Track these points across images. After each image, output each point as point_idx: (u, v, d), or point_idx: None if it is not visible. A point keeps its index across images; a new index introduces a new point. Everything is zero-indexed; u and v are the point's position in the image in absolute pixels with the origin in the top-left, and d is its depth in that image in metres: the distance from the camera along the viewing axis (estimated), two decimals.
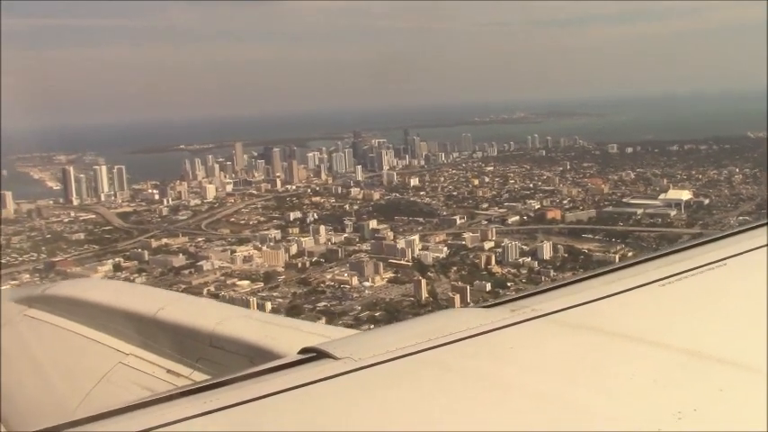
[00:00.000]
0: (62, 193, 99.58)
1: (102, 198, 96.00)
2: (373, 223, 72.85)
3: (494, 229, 68.93)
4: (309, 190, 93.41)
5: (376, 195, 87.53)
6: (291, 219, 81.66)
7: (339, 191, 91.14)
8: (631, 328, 2.90)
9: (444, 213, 77.85)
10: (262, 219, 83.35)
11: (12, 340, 5.65)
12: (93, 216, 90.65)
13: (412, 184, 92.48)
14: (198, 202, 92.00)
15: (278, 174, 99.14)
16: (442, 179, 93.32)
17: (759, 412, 2.20)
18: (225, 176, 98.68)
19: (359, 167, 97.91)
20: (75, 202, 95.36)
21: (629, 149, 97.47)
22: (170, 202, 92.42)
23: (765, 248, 3.75)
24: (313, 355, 2.80)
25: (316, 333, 4.50)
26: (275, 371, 2.71)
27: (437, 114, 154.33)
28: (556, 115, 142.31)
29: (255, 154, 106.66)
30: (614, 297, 3.20)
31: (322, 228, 74.11)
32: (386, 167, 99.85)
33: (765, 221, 4.27)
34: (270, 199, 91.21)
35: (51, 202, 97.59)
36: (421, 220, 75.55)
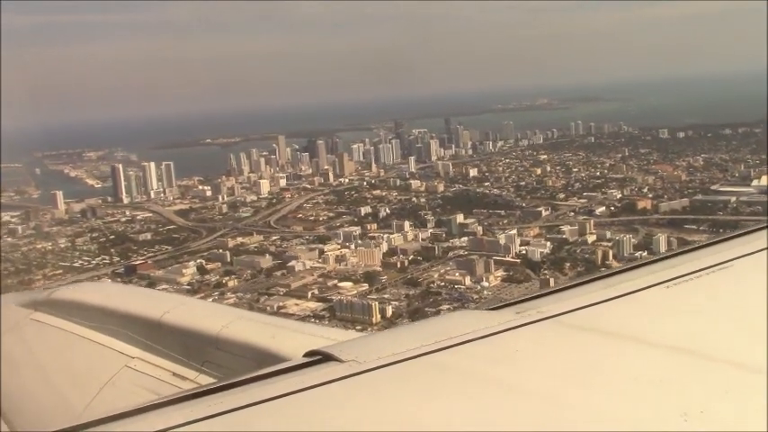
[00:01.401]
0: (111, 191, 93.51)
1: (152, 195, 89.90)
2: (460, 218, 67.50)
3: (592, 222, 64.16)
4: (365, 183, 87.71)
5: (440, 187, 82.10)
6: (363, 214, 76.18)
7: (397, 183, 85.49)
8: (637, 330, 2.82)
9: (523, 205, 72.78)
10: (330, 214, 77.89)
11: (18, 344, 5.42)
12: (150, 215, 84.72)
13: (471, 174, 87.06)
14: (254, 197, 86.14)
15: (325, 167, 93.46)
16: (501, 169, 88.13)
17: (764, 414, 2.14)
18: (273, 171, 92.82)
19: (411, 159, 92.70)
20: (125, 200, 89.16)
21: (681, 134, 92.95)
22: (225, 198, 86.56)
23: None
24: (318, 357, 2.71)
25: (321, 336, 4.24)
26: (281, 374, 2.63)
27: (454, 103, 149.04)
28: (580, 101, 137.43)
29: (297, 147, 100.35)
30: (620, 299, 3.11)
31: (405, 224, 68.63)
32: (434, 158, 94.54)
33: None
34: (327, 193, 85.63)
35: (100, 200, 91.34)
36: (502, 212, 70.44)
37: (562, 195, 75.67)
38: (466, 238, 65.88)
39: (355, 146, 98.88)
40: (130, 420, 2.37)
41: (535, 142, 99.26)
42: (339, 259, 63.80)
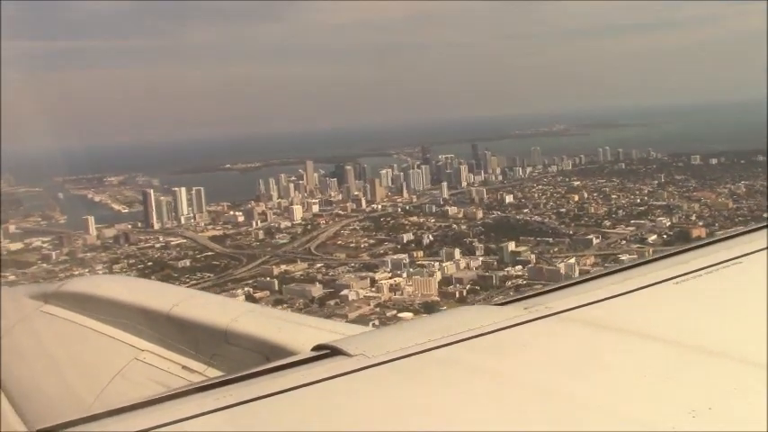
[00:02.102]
0: (140, 216, 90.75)
1: (183, 221, 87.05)
2: (511, 245, 64.89)
3: (650, 250, 61.50)
4: (399, 209, 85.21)
5: (478, 214, 79.60)
6: (405, 241, 73.46)
7: (433, 209, 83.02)
8: (645, 327, 2.80)
9: (570, 232, 70.33)
10: (371, 241, 75.17)
11: (28, 336, 5.42)
12: (184, 241, 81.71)
13: (507, 200, 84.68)
14: (288, 224, 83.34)
15: (356, 192, 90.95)
16: (536, 195, 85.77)
17: None
18: (302, 196, 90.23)
19: (444, 185, 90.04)
20: (156, 226, 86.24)
21: (713, 160, 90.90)
22: (258, 224, 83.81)
23: None
24: (326, 351, 2.71)
25: (329, 330, 4.26)
26: (289, 367, 2.62)
27: (470, 129, 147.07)
28: (597, 126, 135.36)
29: (322, 172, 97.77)
30: (628, 295, 3.10)
31: (455, 251, 65.91)
32: (464, 183, 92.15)
33: None
34: (363, 219, 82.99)
35: (130, 226, 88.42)
36: (550, 240, 67.93)
37: (607, 223, 72.97)
38: (521, 267, 63.08)
39: (384, 171, 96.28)
40: (140, 412, 2.35)
41: (564, 168, 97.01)
42: (394, 288, 60.88)
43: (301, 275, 68.91)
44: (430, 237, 74.97)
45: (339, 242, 77.34)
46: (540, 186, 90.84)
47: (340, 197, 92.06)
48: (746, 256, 3.51)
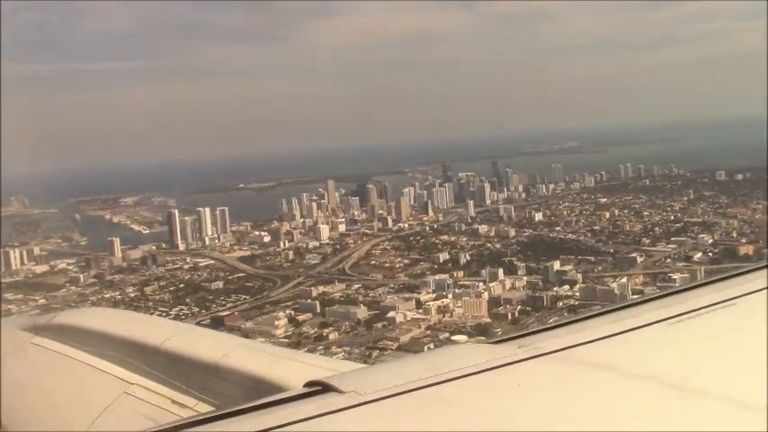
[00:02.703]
0: (165, 236, 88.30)
1: (207, 241, 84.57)
2: (556, 264, 62.68)
3: (702, 269, 59.56)
4: (428, 228, 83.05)
5: (511, 232, 77.48)
6: (441, 261, 71.19)
7: (462, 228, 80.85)
8: (638, 367, 2.76)
9: (611, 251, 68.25)
10: (405, 261, 72.84)
11: (17, 368, 5.33)
12: (212, 261, 79.20)
13: (537, 218, 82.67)
14: (316, 243, 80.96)
15: (380, 211, 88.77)
16: (565, 213, 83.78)
17: None
18: (325, 215, 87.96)
19: (470, 203, 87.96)
20: (181, 247, 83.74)
21: (739, 176, 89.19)
22: (286, 244, 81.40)
23: None
24: (318, 388, 2.67)
25: (321, 366, 4.14)
26: (280, 403, 2.60)
27: (481, 147, 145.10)
28: (611, 143, 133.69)
29: (342, 191, 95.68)
30: (622, 335, 3.05)
31: (499, 271, 63.67)
32: (488, 201, 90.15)
33: None
34: (392, 239, 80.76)
35: (154, 247, 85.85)
36: (592, 259, 65.80)
37: (646, 240, 70.92)
38: (568, 287, 60.85)
39: (406, 189, 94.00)
40: None
41: (587, 185, 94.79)
42: (442, 310, 58.51)
43: (341, 297, 66.47)
44: (467, 256, 72.55)
45: (373, 262, 75.07)
46: (567, 204, 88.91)
47: (364, 216, 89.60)
48: (741, 297, 3.40)
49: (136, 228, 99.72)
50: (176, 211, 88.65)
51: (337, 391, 2.58)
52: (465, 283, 65.45)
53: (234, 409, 2.58)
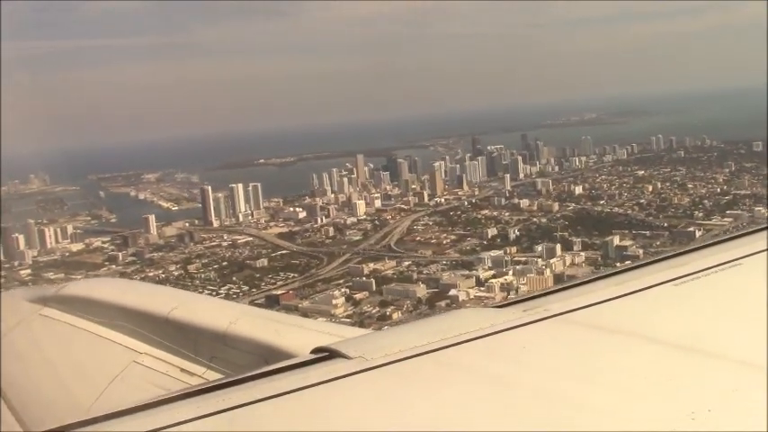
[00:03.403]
0: (197, 213, 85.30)
1: (241, 218, 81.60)
2: (615, 240, 60.03)
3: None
4: (466, 203, 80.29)
5: (554, 206, 74.77)
6: (489, 236, 68.52)
7: (502, 202, 78.10)
8: (644, 328, 2.74)
9: (665, 225, 65.64)
10: (452, 237, 70.12)
11: (27, 339, 5.31)
12: (250, 239, 76.17)
13: (577, 192, 79.96)
14: (353, 219, 78.13)
15: (413, 186, 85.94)
16: (605, 186, 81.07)
17: None
18: (357, 190, 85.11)
19: (506, 176, 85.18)
20: (215, 224, 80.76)
21: None
22: (323, 220, 78.56)
23: None
24: (326, 354, 2.66)
25: (328, 333, 4.07)
26: (288, 370, 2.57)
27: (498, 119, 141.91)
28: (629, 115, 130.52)
29: (371, 166, 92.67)
30: (627, 297, 3.03)
31: (556, 247, 60.99)
32: (521, 174, 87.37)
33: None
34: (431, 213, 77.93)
35: (187, 224, 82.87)
36: (648, 233, 63.16)
37: (699, 214, 68.34)
38: (630, 263, 57.98)
39: (437, 164, 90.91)
40: (138, 416, 2.30)
41: (619, 157, 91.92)
42: (506, 287, 55.82)
43: (394, 274, 63.66)
44: (515, 231, 69.73)
45: (417, 238, 72.25)
46: (603, 176, 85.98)
47: (397, 191, 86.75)
48: (746, 258, 3.34)
49: (165, 204, 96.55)
50: (209, 188, 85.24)
51: (344, 356, 2.54)
52: (521, 259, 62.73)
53: (242, 376, 2.53)
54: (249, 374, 2.56)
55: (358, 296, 59.24)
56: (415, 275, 62.94)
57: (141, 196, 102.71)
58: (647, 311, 2.95)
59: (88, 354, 5.04)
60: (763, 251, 3.49)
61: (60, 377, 4.92)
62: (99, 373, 4.80)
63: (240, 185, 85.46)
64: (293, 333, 4.18)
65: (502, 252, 64.33)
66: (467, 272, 61.14)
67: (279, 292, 61.35)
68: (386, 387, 2.42)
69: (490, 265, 62.06)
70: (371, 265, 65.88)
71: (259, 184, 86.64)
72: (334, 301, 58.25)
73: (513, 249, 65.91)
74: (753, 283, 3.19)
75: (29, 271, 69.06)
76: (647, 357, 2.50)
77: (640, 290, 3.08)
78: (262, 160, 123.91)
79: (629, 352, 2.57)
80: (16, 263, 73.95)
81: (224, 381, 2.63)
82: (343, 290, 61.25)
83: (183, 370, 4.51)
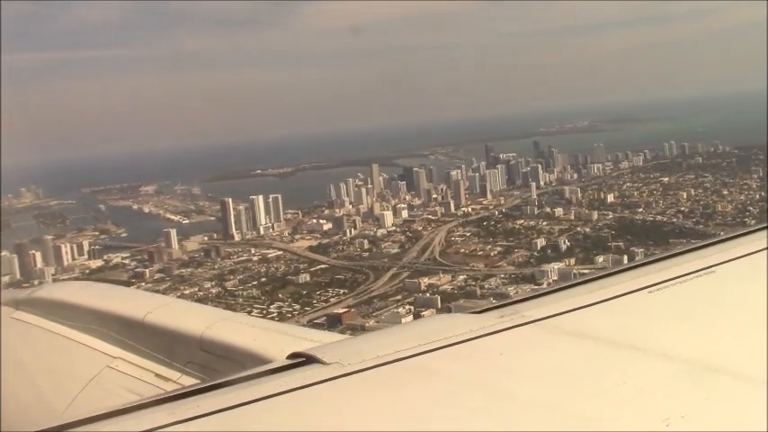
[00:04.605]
0: (215, 226, 79.73)
1: (262, 231, 76.01)
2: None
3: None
4: (497, 213, 75.97)
5: (593, 215, 70.75)
6: (538, 247, 64.17)
7: (535, 212, 73.86)
8: (620, 335, 2.70)
9: (721, 233, 61.34)
10: (498, 248, 65.66)
11: None
12: (280, 252, 70.56)
13: (609, 200, 76.12)
14: (383, 231, 73.11)
15: (435, 196, 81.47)
16: (635, 193, 77.42)
17: (745, 419, 2.08)
18: (374, 200, 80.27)
19: (533, 185, 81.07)
20: (236, 237, 75.07)
21: None
22: (352, 232, 73.38)
23: (750, 256, 3.45)
24: (302, 360, 2.58)
25: (305, 338, 3.93)
26: (264, 375, 2.51)
27: (489, 127, 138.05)
28: (621, 121, 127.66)
29: (385, 176, 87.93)
30: (603, 304, 2.97)
31: (624, 258, 56.68)
32: (542, 182, 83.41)
33: (758, 227, 3.97)
34: (463, 224, 73.42)
35: (206, 237, 76.95)
36: (707, 242, 58.78)
37: (752, 222, 64.51)
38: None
39: (453, 172, 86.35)
40: (112, 421, 2.23)
41: (635, 164, 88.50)
42: None
43: (453, 289, 58.64)
44: (566, 242, 65.23)
45: (462, 250, 67.18)
46: (629, 184, 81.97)
47: (418, 201, 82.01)
48: (718, 266, 3.30)
49: (174, 217, 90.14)
50: (230, 200, 79.14)
51: (321, 362, 2.48)
52: (586, 271, 58.03)
53: (217, 382, 2.47)
54: (225, 380, 2.48)
55: (426, 314, 53.93)
56: (478, 291, 57.95)
57: (146, 209, 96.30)
58: (622, 318, 2.86)
59: (61, 358, 4.73)
60: (736, 259, 3.38)
61: (32, 382, 4.63)
62: (72, 377, 4.53)
63: (261, 197, 79.72)
64: (270, 338, 3.94)
65: (564, 264, 59.73)
66: (534, 286, 56.25)
67: (340, 310, 55.68)
68: (362, 393, 2.35)
69: (556, 278, 57.31)
70: (426, 280, 60.67)
71: (279, 196, 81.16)
72: (402, 320, 52.84)
73: (572, 261, 61.37)
74: (725, 290, 3.13)
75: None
76: (621, 363, 2.44)
77: (616, 297, 2.99)
78: (259, 171, 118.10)
79: (604, 358, 2.50)
80: (36, 281, 67.17)
81: (199, 386, 2.54)
82: (408, 307, 56.00)
83: (157, 375, 4.25)
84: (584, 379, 2.38)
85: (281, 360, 2.69)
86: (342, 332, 50.47)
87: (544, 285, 51.62)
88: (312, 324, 54.85)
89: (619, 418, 2.11)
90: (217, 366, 3.97)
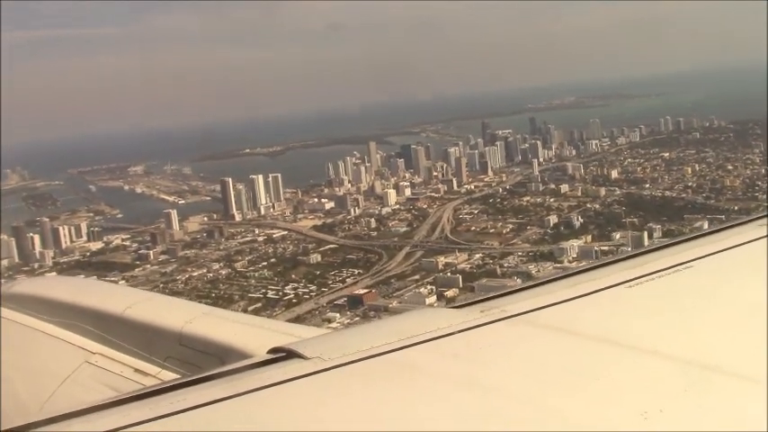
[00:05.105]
0: (212, 206, 77.47)
1: (262, 210, 73.67)
2: (704, 224, 54.49)
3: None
4: (501, 189, 74.28)
5: (601, 191, 69.26)
6: (551, 224, 62.58)
7: (540, 188, 72.19)
8: (599, 330, 2.68)
9: (735, 208, 60.73)
10: (511, 226, 63.79)
11: None
12: (285, 232, 68.26)
13: (613, 176, 74.71)
14: (388, 209, 71.14)
15: (435, 173, 79.69)
16: (639, 169, 76.07)
17: (723, 412, 2.09)
18: (372, 178, 78.36)
19: (534, 161, 79.36)
20: (237, 217, 72.71)
21: None
22: (356, 212, 71.32)
23: (726, 252, 3.44)
24: (283, 354, 2.54)
25: (286, 333, 3.86)
26: (244, 370, 2.47)
27: (476, 104, 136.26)
28: (609, 97, 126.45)
29: (383, 153, 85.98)
30: (583, 298, 2.95)
31: (643, 235, 55.29)
32: (540, 159, 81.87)
33: (733, 223, 3.95)
34: (468, 201, 71.54)
35: (206, 217, 74.52)
36: (723, 218, 57.91)
37: (764, 196, 63.59)
38: None
39: (452, 149, 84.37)
40: (90, 417, 2.18)
41: (632, 140, 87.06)
42: None
43: (471, 268, 56.77)
44: (579, 218, 63.66)
45: (473, 228, 65.28)
46: (631, 159, 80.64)
47: (418, 179, 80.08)
48: (696, 261, 3.30)
49: (168, 197, 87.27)
50: (230, 180, 76.42)
51: (302, 357, 2.45)
52: (605, 248, 56.48)
53: (197, 377, 2.43)
54: (205, 375, 2.45)
55: (448, 293, 52.07)
56: (498, 269, 56.16)
57: (139, 190, 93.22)
58: (601, 313, 2.86)
59: (38, 353, 4.57)
60: (714, 254, 3.39)
61: (8, 377, 4.41)
62: (49, 373, 4.40)
63: (260, 177, 77.17)
64: (250, 333, 3.87)
65: (582, 242, 58.11)
66: (555, 264, 54.56)
67: (360, 291, 53.51)
68: (343, 387, 2.34)
69: (575, 255, 55.72)
70: (443, 259, 58.72)
71: (279, 175, 78.60)
72: (426, 300, 50.98)
73: (589, 238, 59.76)
74: (703, 285, 3.15)
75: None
76: (600, 358, 2.44)
77: (596, 291, 2.98)
78: (248, 150, 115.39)
79: (583, 352, 2.50)
80: (36, 265, 64.23)
81: (179, 381, 2.52)
82: (429, 287, 54.06)
83: (137, 370, 4.17)
84: (563, 373, 2.35)
85: (262, 355, 2.64)
86: (351, 317, 48.73)
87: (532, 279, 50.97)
88: (331, 306, 52.93)
89: (597, 411, 2.10)
90: (197, 361, 3.83)
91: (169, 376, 3.93)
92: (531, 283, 3.29)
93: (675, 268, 3.21)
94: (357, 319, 48.38)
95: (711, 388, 2.20)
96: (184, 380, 2.51)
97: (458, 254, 59.45)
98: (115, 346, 4.32)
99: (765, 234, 3.62)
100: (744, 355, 2.38)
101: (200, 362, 3.81)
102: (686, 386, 2.21)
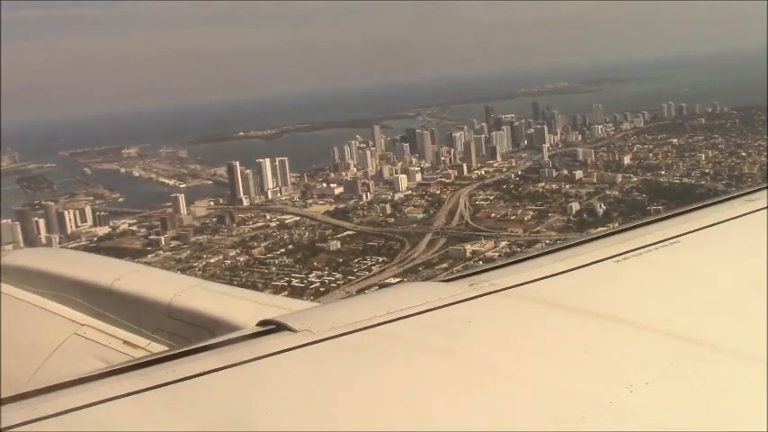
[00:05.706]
0: (217, 190, 74.57)
1: (270, 195, 70.78)
2: None
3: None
4: (513, 175, 72.09)
5: (617, 178, 67.40)
6: (574, 211, 60.54)
7: (553, 174, 70.04)
8: (586, 303, 2.68)
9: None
10: (532, 212, 61.61)
11: None
12: (297, 218, 65.55)
13: (626, 162, 72.86)
14: (400, 195, 68.60)
15: (443, 158, 77.42)
16: (650, 155, 74.31)
17: (708, 386, 2.10)
18: (378, 163, 75.92)
19: (544, 146, 77.34)
20: (245, 201, 69.81)
21: None
22: (367, 197, 68.61)
23: (713, 227, 3.41)
24: (272, 327, 2.53)
25: (275, 305, 3.76)
26: (233, 343, 2.45)
27: (470, 88, 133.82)
28: (602, 82, 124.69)
29: (387, 138, 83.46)
30: (571, 272, 2.93)
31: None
32: (547, 144, 79.80)
33: (720, 199, 3.92)
34: (482, 187, 69.27)
35: (212, 202, 71.52)
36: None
37: None
38: None
39: (457, 134, 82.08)
40: (79, 388, 2.16)
41: (637, 125, 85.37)
42: None
43: (500, 256, 54.33)
44: (602, 206, 61.65)
45: (493, 214, 62.95)
46: (640, 145, 78.77)
47: (425, 164, 77.64)
48: (683, 236, 3.27)
49: (168, 181, 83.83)
50: (237, 164, 73.18)
51: (290, 329, 2.43)
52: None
53: (186, 349, 2.40)
54: (194, 347, 2.41)
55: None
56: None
57: (136, 173, 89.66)
58: (589, 287, 2.85)
59: (27, 325, 4.48)
60: (701, 229, 3.35)
61: None
62: (38, 345, 4.33)
63: (268, 161, 74.15)
64: (239, 305, 3.80)
65: (607, 229, 55.94)
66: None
67: (392, 280, 50.93)
68: (331, 360, 2.32)
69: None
70: (469, 247, 56.31)
71: (286, 159, 75.66)
72: None
73: (615, 225, 57.53)
74: (690, 260, 3.13)
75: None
76: (588, 331, 2.44)
77: (583, 265, 2.96)
78: (242, 133, 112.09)
79: (572, 326, 2.50)
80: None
81: (168, 353, 2.49)
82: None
83: (126, 342, 4.11)
84: (551, 346, 2.35)
85: (252, 327, 2.60)
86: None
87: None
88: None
89: (584, 383, 2.10)
90: (185, 334, 3.76)
91: (158, 348, 3.82)
92: (519, 257, 3.20)
93: (663, 243, 3.16)
94: None
95: (698, 362, 2.19)
96: (173, 352, 2.43)
97: (484, 241, 57.14)
98: (104, 318, 4.22)
99: (752, 209, 3.57)
100: (729, 330, 2.35)
101: (188, 334, 3.70)
102: (672, 360, 2.19)
